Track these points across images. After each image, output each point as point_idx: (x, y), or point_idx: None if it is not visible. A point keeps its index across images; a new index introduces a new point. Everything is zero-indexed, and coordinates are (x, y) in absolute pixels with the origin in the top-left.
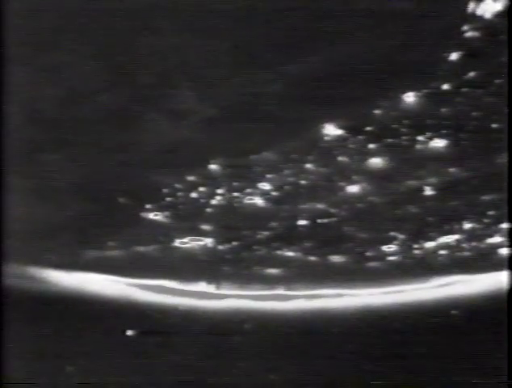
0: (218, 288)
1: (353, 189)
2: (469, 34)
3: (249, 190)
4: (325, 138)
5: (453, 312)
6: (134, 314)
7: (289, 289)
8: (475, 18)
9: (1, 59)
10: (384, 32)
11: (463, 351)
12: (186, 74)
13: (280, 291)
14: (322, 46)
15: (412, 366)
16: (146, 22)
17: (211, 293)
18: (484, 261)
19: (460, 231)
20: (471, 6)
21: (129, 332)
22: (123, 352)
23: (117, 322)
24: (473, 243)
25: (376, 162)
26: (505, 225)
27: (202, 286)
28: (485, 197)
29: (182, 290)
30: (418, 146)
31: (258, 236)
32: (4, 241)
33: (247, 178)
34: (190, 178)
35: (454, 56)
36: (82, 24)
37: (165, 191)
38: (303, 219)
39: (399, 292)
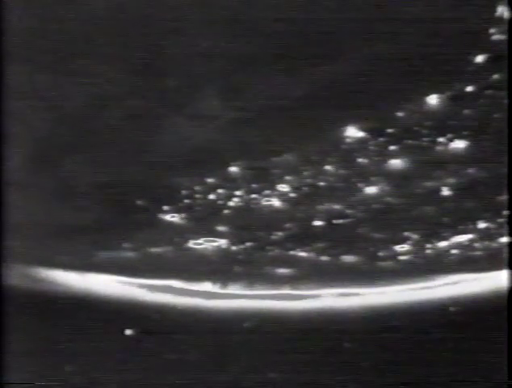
0: (224, 288)
1: (371, 190)
2: (496, 37)
3: (267, 191)
4: (347, 140)
5: (452, 309)
6: (140, 313)
7: (297, 289)
8: (502, 22)
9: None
10: (408, 36)
11: (464, 349)
12: (210, 78)
13: (287, 291)
14: (345, 50)
15: (412, 365)
16: (173, 27)
17: (219, 293)
18: (495, 260)
19: (474, 231)
20: (499, 10)
21: (128, 331)
22: (124, 351)
23: (120, 322)
24: (486, 242)
25: (396, 163)
26: None
27: (209, 286)
28: (501, 198)
29: (189, 290)
30: (438, 148)
31: (273, 237)
32: (15, 241)
33: (266, 180)
34: (210, 180)
35: (479, 58)
36: (110, 29)
37: (183, 193)
38: (318, 220)
39: (407, 290)
